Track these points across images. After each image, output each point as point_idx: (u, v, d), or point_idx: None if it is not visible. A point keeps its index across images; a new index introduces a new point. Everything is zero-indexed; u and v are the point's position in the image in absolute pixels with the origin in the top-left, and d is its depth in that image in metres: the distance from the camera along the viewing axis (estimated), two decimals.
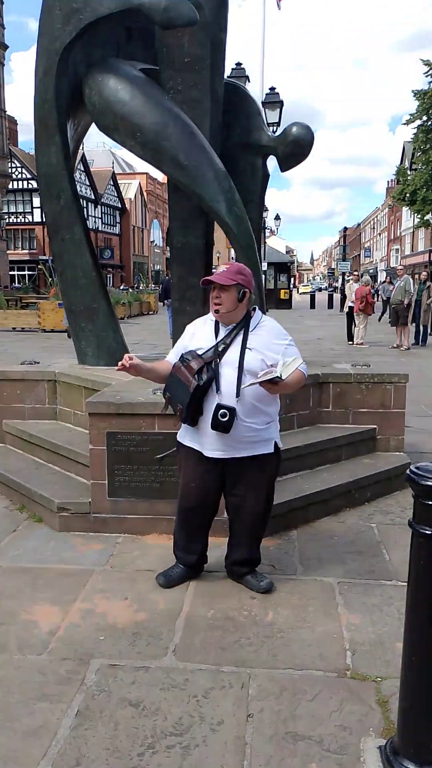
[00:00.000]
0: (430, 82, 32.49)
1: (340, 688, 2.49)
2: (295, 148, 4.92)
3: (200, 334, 3.07)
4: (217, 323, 3.03)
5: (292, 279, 44.49)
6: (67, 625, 2.92)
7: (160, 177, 67.13)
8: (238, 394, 2.89)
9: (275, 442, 3.11)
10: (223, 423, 2.88)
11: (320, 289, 54.15)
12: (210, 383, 2.89)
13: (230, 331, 2.99)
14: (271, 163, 6.48)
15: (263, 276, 4.62)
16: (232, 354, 2.95)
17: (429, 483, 1.84)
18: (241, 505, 3.15)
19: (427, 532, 1.88)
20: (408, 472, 1.90)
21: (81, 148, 7.63)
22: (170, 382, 2.99)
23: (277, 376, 2.77)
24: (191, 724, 2.29)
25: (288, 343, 3.06)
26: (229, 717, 2.32)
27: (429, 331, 15.83)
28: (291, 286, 35.55)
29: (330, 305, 33.10)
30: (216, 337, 3.00)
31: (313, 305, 33.93)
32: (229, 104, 5.14)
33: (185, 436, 3.12)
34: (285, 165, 5.02)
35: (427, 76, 31.70)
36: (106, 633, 2.86)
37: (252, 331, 3.00)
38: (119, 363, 2.91)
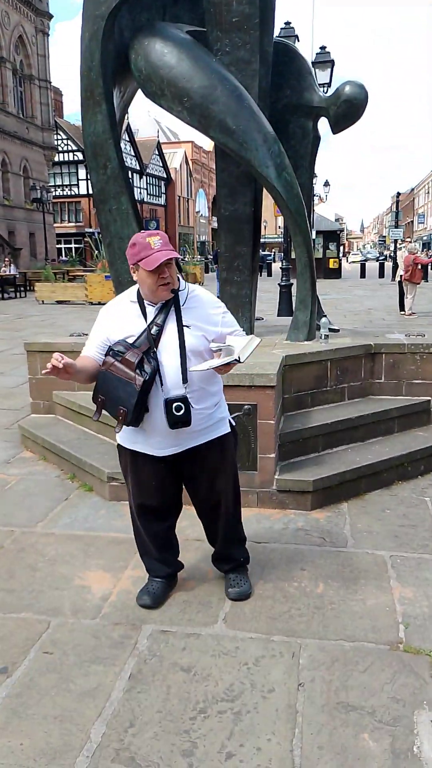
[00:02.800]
0: None
1: (392, 660, 2.46)
2: (348, 108, 4.73)
3: (124, 319, 2.57)
4: (141, 302, 2.57)
5: (342, 247, 43.51)
6: (119, 591, 2.97)
7: (206, 145, 66.35)
8: (185, 380, 2.51)
9: (228, 420, 2.81)
10: (182, 417, 2.49)
11: (369, 259, 52.84)
12: (155, 375, 2.48)
13: (159, 310, 2.54)
14: (322, 126, 6.28)
15: (312, 244, 4.49)
16: (169, 336, 2.52)
17: None
18: (204, 499, 2.86)
19: None
20: None
21: (126, 117, 7.55)
22: (103, 382, 2.52)
23: (236, 359, 2.42)
24: (242, 690, 2.30)
25: (224, 312, 2.69)
26: (279, 685, 2.33)
27: None
28: (340, 255, 34.74)
29: (381, 274, 32.26)
30: (145, 319, 2.55)
31: (363, 274, 33.13)
32: (278, 64, 4.97)
33: (126, 438, 2.70)
34: (337, 126, 4.84)
35: None
36: None
37: (184, 305, 2.57)
38: (48, 364, 2.31)
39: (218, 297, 3.14)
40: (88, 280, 19.27)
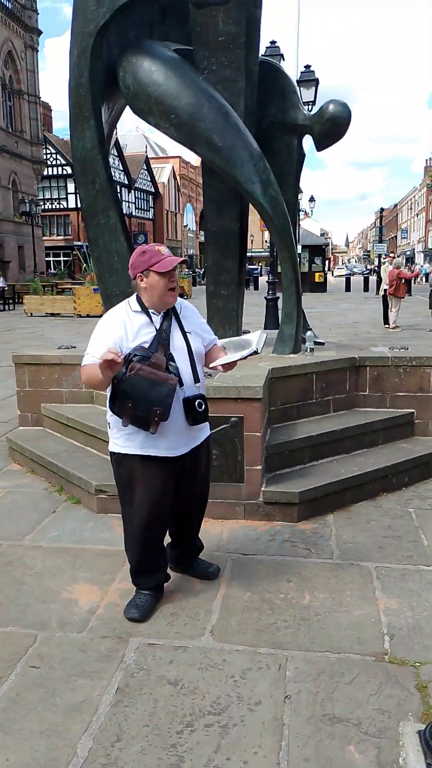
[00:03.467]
0: None
1: (378, 672, 2.48)
2: (332, 127, 4.82)
3: (134, 327, 2.70)
4: (146, 312, 2.73)
5: (327, 262, 43.92)
6: (107, 604, 2.97)
7: (193, 160, 66.85)
8: (197, 380, 2.76)
9: None
10: (203, 413, 2.75)
11: (354, 273, 53.25)
12: (179, 377, 2.68)
13: (164, 317, 2.76)
14: (307, 142, 6.38)
15: (298, 259, 4.56)
16: (177, 341, 2.75)
17: None
18: (197, 493, 3.02)
19: None
20: None
21: (114, 132, 7.62)
22: (132, 387, 2.57)
23: (255, 350, 2.74)
24: (229, 703, 2.31)
25: (204, 321, 3.04)
26: (266, 698, 2.34)
27: None
28: (326, 269, 35.06)
29: (366, 288, 32.58)
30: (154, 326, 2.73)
31: (348, 288, 33.44)
32: (264, 83, 5.06)
33: (134, 446, 2.74)
34: (321, 144, 4.93)
35: None
36: None
37: (180, 314, 2.82)
38: (107, 356, 2.43)
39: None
40: (77, 293, 19.32)
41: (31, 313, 20.08)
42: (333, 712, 2.26)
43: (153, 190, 58.39)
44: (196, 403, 2.72)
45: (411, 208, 77.75)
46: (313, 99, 13.36)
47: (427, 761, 2.00)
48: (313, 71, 13.44)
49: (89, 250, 5.71)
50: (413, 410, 4.92)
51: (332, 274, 58.51)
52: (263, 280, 31.76)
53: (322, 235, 56.34)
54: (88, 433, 4.71)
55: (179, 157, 64.26)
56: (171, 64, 4.45)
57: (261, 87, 5.01)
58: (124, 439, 2.76)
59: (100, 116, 4.79)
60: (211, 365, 2.89)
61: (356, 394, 4.96)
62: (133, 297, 2.80)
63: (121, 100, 5.10)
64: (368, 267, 59.08)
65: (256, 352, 2.74)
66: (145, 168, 56.22)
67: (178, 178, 64.14)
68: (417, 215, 73.25)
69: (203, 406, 2.75)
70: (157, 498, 2.80)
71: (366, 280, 34.21)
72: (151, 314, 2.73)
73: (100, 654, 2.59)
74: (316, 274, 31.45)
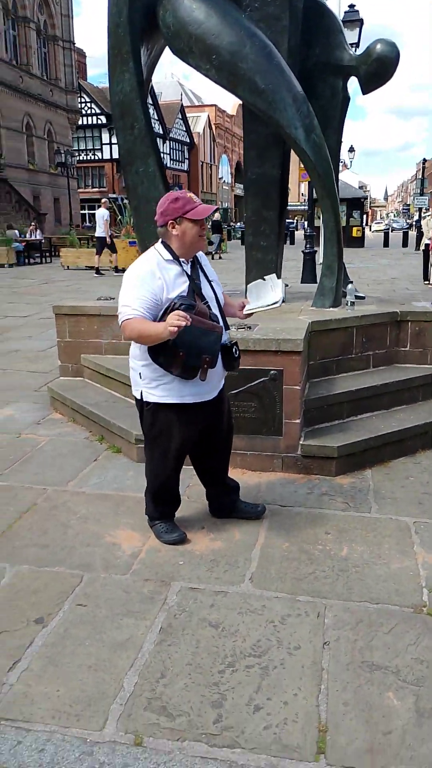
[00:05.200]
0: None
1: (416, 623, 2.50)
2: (379, 67, 4.60)
3: (170, 277, 2.69)
4: (178, 261, 2.73)
5: (365, 216, 42.64)
6: (148, 548, 3.04)
7: (229, 108, 64.95)
8: (227, 328, 2.89)
9: None
10: (238, 359, 2.88)
11: (393, 228, 51.43)
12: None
13: (191, 266, 2.79)
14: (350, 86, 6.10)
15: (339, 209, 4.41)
16: (206, 290, 2.82)
17: None
18: (225, 429, 3.15)
19: None
20: None
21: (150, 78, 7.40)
22: (181, 336, 2.55)
23: (283, 297, 2.87)
24: (269, 647, 2.36)
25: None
26: (305, 643, 2.38)
27: None
28: (364, 224, 34.05)
29: (405, 243, 31.62)
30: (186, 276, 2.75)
31: (386, 243, 32.51)
32: (308, 22, 4.82)
33: (173, 394, 2.79)
34: (368, 86, 4.71)
35: None
36: (185, 558, 2.96)
37: (200, 262, 2.87)
38: (176, 322, 2.48)
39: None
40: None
41: (68, 266, 20.12)
42: (372, 660, 2.29)
43: (188, 141, 57.07)
44: (233, 349, 2.82)
45: None
46: (356, 41, 12.71)
47: None
48: (357, 11, 12.76)
49: (126, 200, 5.64)
50: None
51: (370, 229, 56.90)
52: (299, 234, 31.14)
53: (360, 187, 54.59)
54: (127, 383, 4.72)
55: (215, 105, 62.49)
56: (212, 2, 4.28)
57: (305, 26, 4.79)
58: (161, 389, 2.80)
59: (139, 58, 4.67)
60: (245, 311, 2.96)
61: (397, 350, 4.87)
62: (161, 246, 2.76)
63: (160, 41, 4.95)
64: (408, 222, 57.21)
65: (280, 304, 2.85)
66: (180, 117, 54.86)
67: (213, 127, 62.51)
68: None
69: (238, 353, 2.86)
70: (189, 443, 2.97)
71: (405, 235, 33.16)
72: (182, 263, 2.74)
73: (143, 595, 2.67)
74: (354, 229, 30.62)
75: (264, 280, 2.97)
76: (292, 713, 2.05)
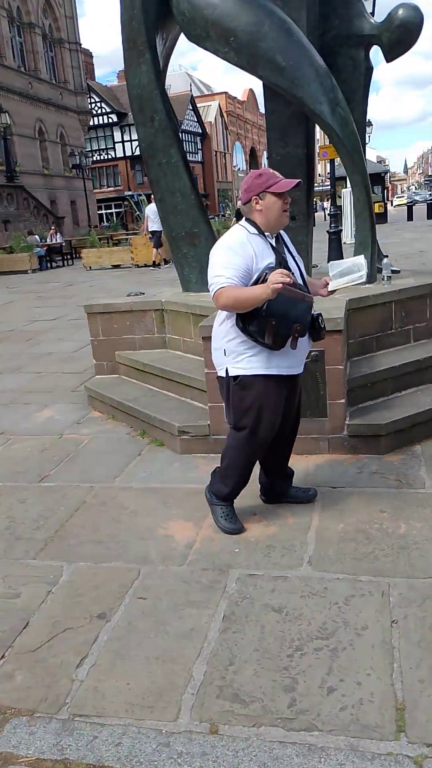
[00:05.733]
0: None
1: None
2: (403, 33, 4.48)
3: (260, 249, 2.73)
4: (263, 234, 2.77)
5: (386, 191, 41.89)
6: (202, 538, 3.03)
7: (240, 95, 64.40)
8: (312, 302, 2.80)
9: None
10: (323, 329, 2.87)
11: (416, 202, 50.30)
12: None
13: (276, 240, 2.83)
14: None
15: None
16: (291, 263, 2.84)
17: None
18: (296, 415, 3.14)
19: None
20: None
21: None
22: (275, 306, 2.62)
23: (365, 275, 2.84)
24: (335, 628, 2.33)
25: None
26: (372, 622, 2.34)
27: None
28: (385, 199, 33.44)
29: (429, 215, 30.96)
30: (273, 249, 2.79)
31: (411, 217, 31.89)
32: None
33: (260, 366, 2.80)
34: (392, 54, 4.59)
35: None
36: (240, 546, 2.94)
37: (284, 239, 2.91)
38: (281, 279, 2.49)
39: None
40: (133, 243, 19.27)
41: (90, 267, 20.24)
42: None
43: (200, 131, 56.73)
44: (319, 320, 2.82)
45: None
46: (371, 10, 12.40)
47: None
48: None
49: (150, 194, 5.61)
50: None
51: (392, 204, 55.89)
52: (319, 215, 30.75)
53: (379, 162, 53.63)
54: (164, 377, 4.75)
55: (225, 93, 61.95)
56: None
57: None
58: (246, 362, 2.81)
59: (155, 48, 4.62)
60: (328, 289, 2.95)
61: None
62: (245, 222, 2.81)
63: (174, 29, 4.89)
64: (431, 193, 56.02)
65: (366, 279, 2.86)
66: (191, 108, 54.49)
67: (225, 115, 61.98)
68: None
69: (324, 324, 2.85)
70: (277, 418, 2.92)
71: (429, 207, 32.45)
72: (267, 237, 2.77)
73: (202, 585, 2.66)
74: (376, 205, 29.97)
75: (344, 259, 3.02)
76: (368, 693, 2.02)
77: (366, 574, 2.64)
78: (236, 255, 2.69)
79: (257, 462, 3.17)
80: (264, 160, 58.52)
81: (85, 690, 2.14)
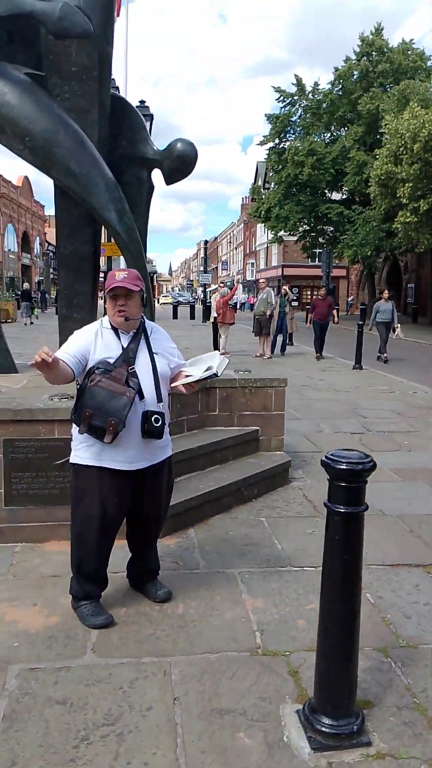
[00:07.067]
0: (281, 108, 34.74)
1: (254, 664, 2.70)
2: (181, 164, 5.13)
3: (104, 342, 2.88)
4: (116, 331, 2.92)
5: (153, 289, 44.77)
6: None
7: (14, 179, 64.49)
8: (160, 400, 2.89)
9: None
10: (158, 429, 2.83)
11: (180, 303, 54.58)
12: (139, 391, 2.81)
13: (132, 338, 2.93)
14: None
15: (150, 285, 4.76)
16: (143, 360, 2.90)
17: (342, 467, 2.11)
18: (153, 514, 3.14)
19: (341, 510, 2.14)
20: (324, 458, 2.16)
21: None
22: (90, 397, 2.73)
23: (215, 373, 2.94)
24: (121, 713, 2.37)
25: (174, 346, 3.16)
26: (156, 702, 2.43)
27: (287, 340, 16.88)
28: (152, 297, 35.75)
29: (192, 316, 33.83)
30: (121, 344, 2.90)
31: (175, 316, 34.49)
32: (114, 117, 5.22)
33: (90, 457, 2.86)
34: (170, 179, 5.21)
35: (278, 102, 33.85)
36: (20, 639, 2.83)
37: (150, 336, 3.00)
38: (36, 356, 2.51)
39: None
40: None
41: None
42: (220, 706, 2.42)
43: None
44: (153, 418, 2.82)
45: (230, 242, 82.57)
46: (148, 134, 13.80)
47: (308, 735, 2.25)
48: (147, 106, 13.94)
49: None
50: (258, 428, 5.33)
51: (158, 302, 59.71)
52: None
53: (148, 263, 57.34)
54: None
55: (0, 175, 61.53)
56: (25, 87, 4.46)
57: (112, 120, 5.17)
58: (83, 450, 2.88)
59: None
60: (172, 385, 3.07)
61: (207, 414, 5.25)
62: (105, 316, 2.98)
63: None
64: (193, 296, 61.37)
65: (215, 375, 2.95)
66: None
67: None
68: (236, 249, 77.97)
69: (159, 422, 2.84)
70: (108, 507, 2.89)
71: (192, 309, 35.54)
72: (120, 333, 2.91)
73: None
74: None
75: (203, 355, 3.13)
76: None
77: (149, 656, 2.74)
78: (76, 340, 2.90)
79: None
80: (36, 245, 58.68)
81: None
